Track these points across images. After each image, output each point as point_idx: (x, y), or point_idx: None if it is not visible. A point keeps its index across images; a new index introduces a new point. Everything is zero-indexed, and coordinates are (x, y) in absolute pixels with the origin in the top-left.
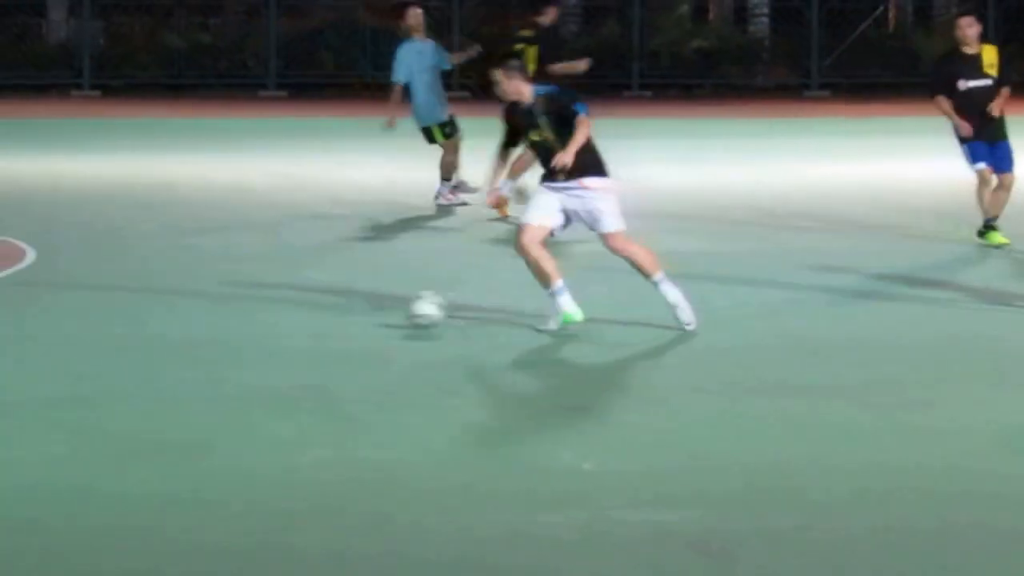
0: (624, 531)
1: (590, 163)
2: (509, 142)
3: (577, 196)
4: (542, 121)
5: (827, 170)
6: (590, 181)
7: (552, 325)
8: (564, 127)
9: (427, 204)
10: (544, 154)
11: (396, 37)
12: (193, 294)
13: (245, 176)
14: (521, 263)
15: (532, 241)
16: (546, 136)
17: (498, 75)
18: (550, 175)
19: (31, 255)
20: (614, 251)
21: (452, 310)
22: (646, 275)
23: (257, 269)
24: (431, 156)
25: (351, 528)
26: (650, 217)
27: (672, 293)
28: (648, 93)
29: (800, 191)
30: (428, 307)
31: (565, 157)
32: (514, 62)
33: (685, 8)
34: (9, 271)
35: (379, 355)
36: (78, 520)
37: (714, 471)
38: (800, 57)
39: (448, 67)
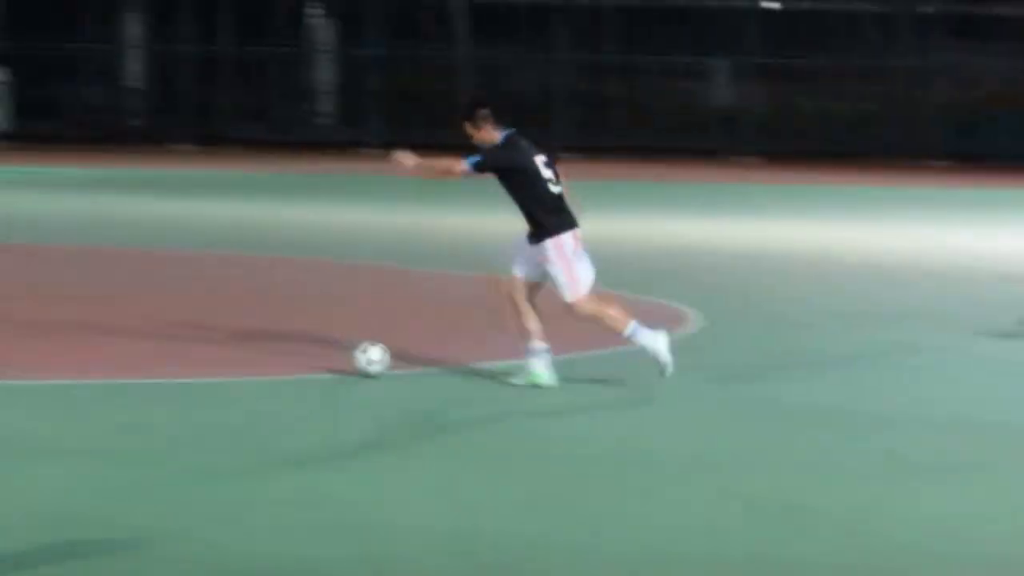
0: None
1: (539, 227)
2: None
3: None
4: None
5: None
6: (546, 242)
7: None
8: (502, 179)
9: None
10: None
11: None
12: (837, 362)
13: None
14: None
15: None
16: None
17: (468, 128)
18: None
19: (695, 319)
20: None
21: None
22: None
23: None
24: None
25: None
26: None
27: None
28: None
29: None
30: (372, 356)
31: (406, 161)
32: (482, 111)
33: None
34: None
35: None
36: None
37: None
38: None
39: None
